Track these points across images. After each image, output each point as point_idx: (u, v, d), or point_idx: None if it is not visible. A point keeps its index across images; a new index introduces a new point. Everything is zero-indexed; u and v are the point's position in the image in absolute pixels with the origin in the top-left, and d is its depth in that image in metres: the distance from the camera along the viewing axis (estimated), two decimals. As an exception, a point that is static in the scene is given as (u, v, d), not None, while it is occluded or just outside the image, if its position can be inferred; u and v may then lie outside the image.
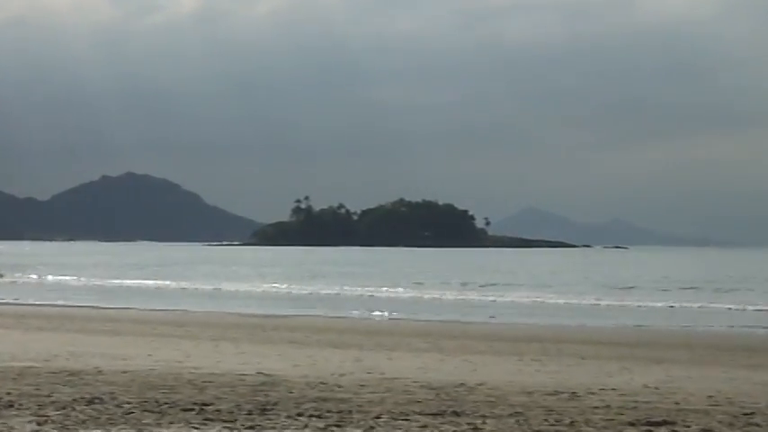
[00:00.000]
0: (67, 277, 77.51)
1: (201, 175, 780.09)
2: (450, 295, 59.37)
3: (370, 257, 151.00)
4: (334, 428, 11.60)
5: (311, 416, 12.29)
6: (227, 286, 67.20)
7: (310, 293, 61.20)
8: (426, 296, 58.27)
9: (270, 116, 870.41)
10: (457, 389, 15.32)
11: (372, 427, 11.67)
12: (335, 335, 28.74)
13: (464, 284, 71.95)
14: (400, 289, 64.95)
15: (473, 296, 58.68)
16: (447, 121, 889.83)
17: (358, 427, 11.67)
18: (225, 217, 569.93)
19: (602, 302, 52.65)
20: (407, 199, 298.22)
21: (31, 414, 12.09)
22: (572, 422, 12.27)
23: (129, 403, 12.99)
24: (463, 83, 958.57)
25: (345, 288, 64.92)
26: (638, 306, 50.32)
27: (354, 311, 44.27)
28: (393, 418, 12.22)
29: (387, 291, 63.12)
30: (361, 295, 59.29)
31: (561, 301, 53.43)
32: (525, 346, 25.71)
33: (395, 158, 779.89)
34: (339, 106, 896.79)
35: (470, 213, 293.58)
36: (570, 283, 74.22)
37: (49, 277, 77.54)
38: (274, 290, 64.91)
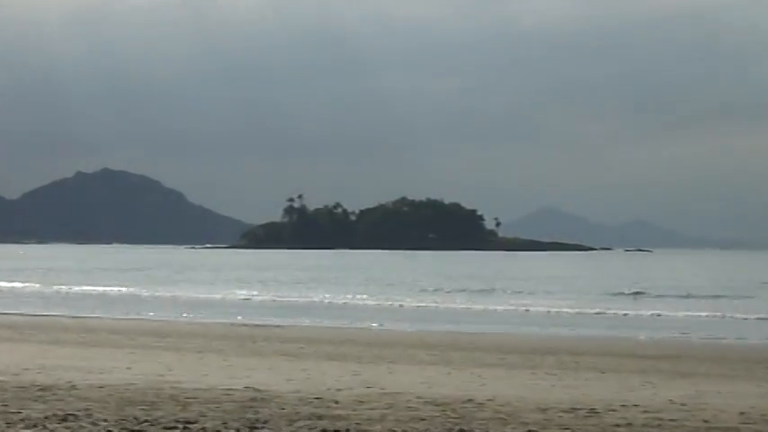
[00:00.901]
0: (29, 284, 77.37)
1: (184, 172, 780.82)
2: (451, 303, 59.43)
3: (368, 261, 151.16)
4: (331, 448, 11.64)
5: (305, 434, 12.31)
6: (212, 293, 67.19)
7: (302, 301, 61.24)
8: (428, 304, 58.33)
9: (260, 107, 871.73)
10: (464, 405, 15.34)
11: (372, 447, 11.70)
12: (331, 346, 28.78)
13: (462, 290, 72.52)
14: (398, 295, 65.01)
15: (471, 304, 58.72)
16: (454, 113, 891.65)
17: (356, 447, 11.70)
18: (210, 217, 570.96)
19: (622, 311, 52.63)
20: (410, 197, 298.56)
21: (-2, 432, 12.11)
22: (591, 441, 12.30)
23: (105, 421, 13.00)
24: (472, 71, 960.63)
25: (339, 295, 65.06)
26: (662, 315, 50.31)
27: (351, 321, 44.33)
28: (395, 437, 12.24)
29: (384, 297, 63.21)
30: (359, 303, 59.36)
31: (576, 310, 53.43)
32: (540, 359, 25.77)
33: (397, 153, 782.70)
34: (336, 96, 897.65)
35: (479, 213, 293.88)
36: (585, 290, 74.19)
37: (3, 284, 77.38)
38: (264, 298, 64.87)
